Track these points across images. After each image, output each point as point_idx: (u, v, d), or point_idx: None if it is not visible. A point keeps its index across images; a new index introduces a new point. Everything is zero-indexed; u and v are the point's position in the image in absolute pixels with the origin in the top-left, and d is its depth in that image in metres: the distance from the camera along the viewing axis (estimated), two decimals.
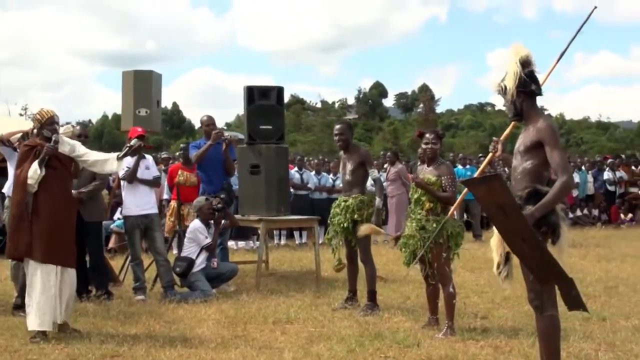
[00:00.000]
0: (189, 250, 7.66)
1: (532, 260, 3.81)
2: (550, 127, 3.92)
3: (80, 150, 5.84)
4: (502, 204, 3.68)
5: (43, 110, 5.77)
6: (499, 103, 4.49)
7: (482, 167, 5.10)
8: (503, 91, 4.11)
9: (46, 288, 5.46)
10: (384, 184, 12.23)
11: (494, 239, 4.17)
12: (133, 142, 6.16)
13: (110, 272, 8.08)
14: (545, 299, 3.91)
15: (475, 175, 5.38)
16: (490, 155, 4.56)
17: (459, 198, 5.76)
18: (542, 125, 3.93)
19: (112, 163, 5.85)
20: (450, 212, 5.71)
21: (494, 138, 4.49)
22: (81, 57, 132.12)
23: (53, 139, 5.58)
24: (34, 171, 5.47)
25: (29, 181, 5.47)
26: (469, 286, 7.84)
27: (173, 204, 8.84)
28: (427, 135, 5.88)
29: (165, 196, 10.04)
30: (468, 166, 15.07)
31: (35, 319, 5.44)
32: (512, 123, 4.35)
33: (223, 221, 8.06)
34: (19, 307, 6.33)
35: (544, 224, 3.87)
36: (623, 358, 4.74)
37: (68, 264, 5.60)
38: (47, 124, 5.67)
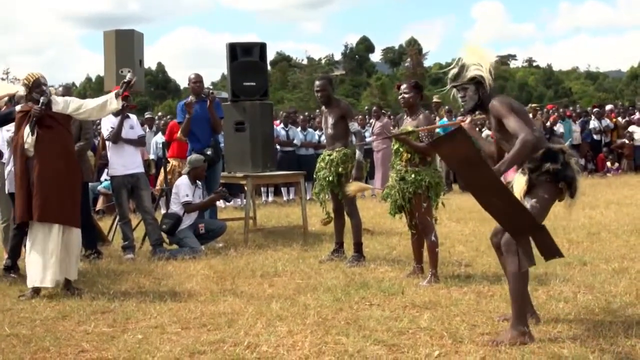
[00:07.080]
0: (176, 207, 7.70)
1: (503, 215, 3.88)
2: (496, 103, 4.13)
3: (75, 103, 5.85)
4: (468, 157, 3.72)
5: (29, 75, 5.80)
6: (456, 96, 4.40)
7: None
8: (473, 81, 4.21)
9: (37, 245, 5.53)
10: (370, 138, 12.30)
11: None
12: (128, 76, 6.18)
13: (99, 233, 8.15)
14: (520, 254, 3.92)
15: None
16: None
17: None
18: (492, 105, 4.16)
19: (112, 102, 5.87)
20: None
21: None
22: (63, 20, 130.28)
23: (41, 100, 5.61)
24: (27, 135, 5.55)
25: (25, 146, 5.56)
26: (454, 236, 7.94)
27: (172, 162, 8.91)
28: (402, 86, 5.91)
29: (151, 156, 9.97)
30: (454, 118, 15.11)
31: (27, 276, 5.58)
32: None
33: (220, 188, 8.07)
34: (9, 268, 6.40)
35: (562, 178, 3.98)
36: (601, 299, 4.85)
37: (69, 223, 5.62)
38: (35, 87, 5.71)
